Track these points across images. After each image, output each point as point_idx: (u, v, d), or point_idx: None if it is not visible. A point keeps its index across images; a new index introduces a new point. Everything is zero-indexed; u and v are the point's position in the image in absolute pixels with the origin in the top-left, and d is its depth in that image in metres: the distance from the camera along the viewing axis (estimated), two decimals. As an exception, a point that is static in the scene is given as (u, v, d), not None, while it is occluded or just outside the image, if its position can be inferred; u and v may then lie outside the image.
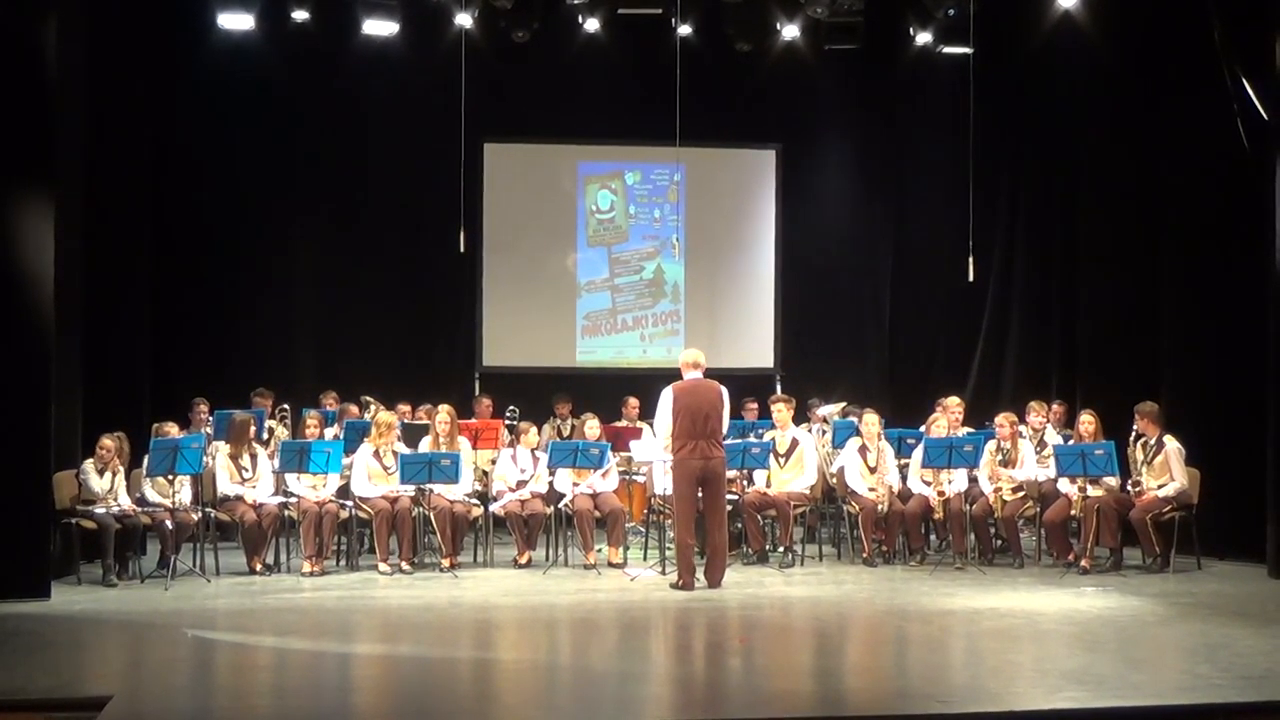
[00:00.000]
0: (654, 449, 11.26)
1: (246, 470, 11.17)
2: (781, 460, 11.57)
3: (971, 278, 13.64)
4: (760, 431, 12.33)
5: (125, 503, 10.59)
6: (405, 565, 10.94)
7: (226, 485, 11.13)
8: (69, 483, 10.43)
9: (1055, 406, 13.00)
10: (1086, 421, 11.30)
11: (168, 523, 10.53)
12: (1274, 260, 10.82)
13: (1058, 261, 14.70)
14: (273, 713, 6.83)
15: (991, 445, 11.54)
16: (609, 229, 15.58)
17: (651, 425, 13.04)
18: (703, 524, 10.43)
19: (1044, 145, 14.89)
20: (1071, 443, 11.42)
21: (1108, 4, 13.09)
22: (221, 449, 11.52)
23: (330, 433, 12.01)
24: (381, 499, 11.00)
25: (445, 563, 11.00)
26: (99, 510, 10.35)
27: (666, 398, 10.33)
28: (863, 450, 11.59)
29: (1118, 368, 13.11)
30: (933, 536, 12.05)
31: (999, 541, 11.65)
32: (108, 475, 10.54)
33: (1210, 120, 11.82)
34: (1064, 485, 11.19)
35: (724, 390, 10.38)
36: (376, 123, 14.85)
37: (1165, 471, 11.02)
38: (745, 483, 11.40)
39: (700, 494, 10.25)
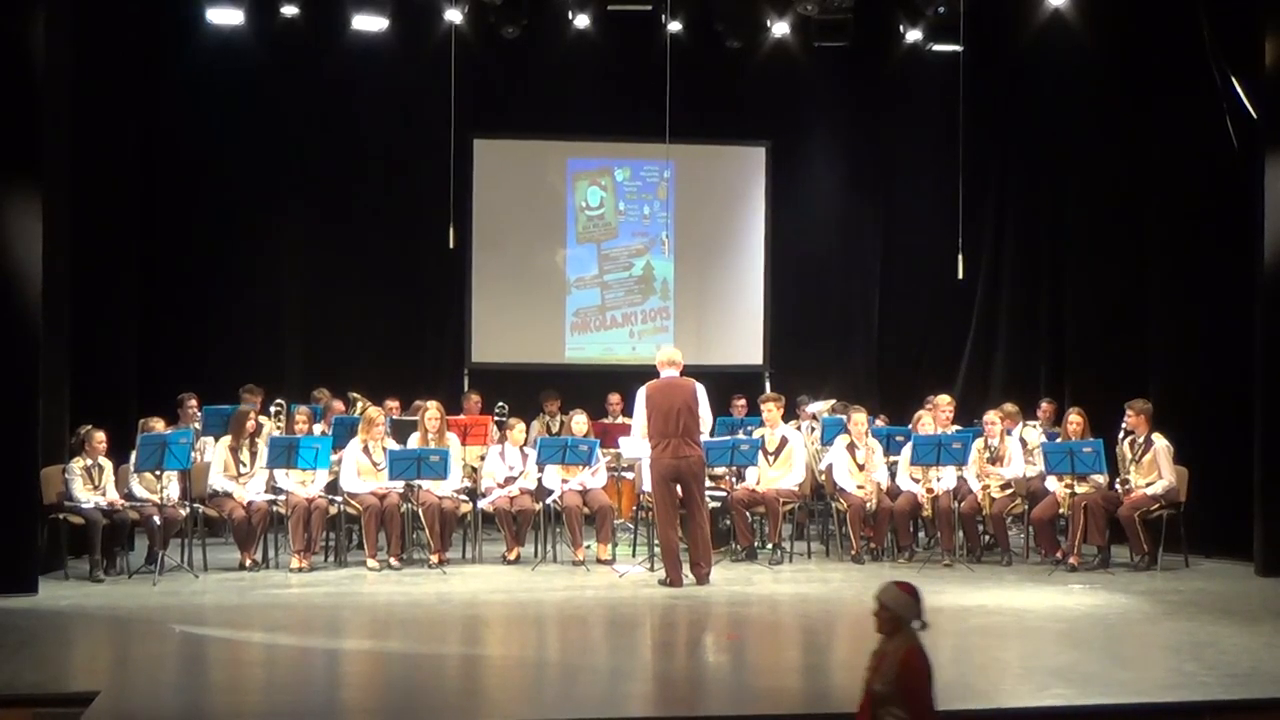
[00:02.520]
0: (642, 446, 11.28)
1: (244, 465, 11.15)
2: (770, 458, 11.57)
3: (961, 275, 13.67)
4: (749, 428, 12.33)
5: (113, 497, 10.58)
6: (394, 561, 10.93)
7: (219, 479, 11.09)
8: (56, 478, 10.40)
9: (1044, 404, 13.03)
10: (1074, 420, 11.30)
11: (155, 518, 10.52)
12: (1261, 258, 10.84)
13: (1046, 259, 14.73)
14: (261, 708, 6.82)
15: (979, 443, 11.56)
16: (598, 225, 15.57)
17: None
18: (686, 521, 10.43)
19: (1033, 143, 14.91)
20: (1059, 440, 11.43)
21: (1098, 2, 13.11)
22: (209, 443, 11.49)
23: (319, 428, 12.00)
24: (370, 495, 10.99)
25: (434, 559, 10.99)
26: (86, 505, 10.33)
27: (640, 397, 10.35)
28: (851, 448, 11.60)
29: (1106, 366, 13.15)
30: (921, 534, 12.06)
31: (987, 539, 11.67)
32: (95, 472, 10.51)
33: (1199, 118, 11.85)
34: (1051, 484, 11.20)
35: (699, 387, 10.36)
36: (365, 118, 14.82)
37: (1154, 469, 11.03)
38: (734, 479, 11.42)
39: (680, 492, 10.27)
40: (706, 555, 10.25)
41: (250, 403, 12.56)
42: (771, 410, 11.74)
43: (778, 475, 11.52)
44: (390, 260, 14.94)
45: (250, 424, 11.24)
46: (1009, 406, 12.27)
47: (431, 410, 11.44)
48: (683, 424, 10.15)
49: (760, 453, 11.50)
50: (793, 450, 11.61)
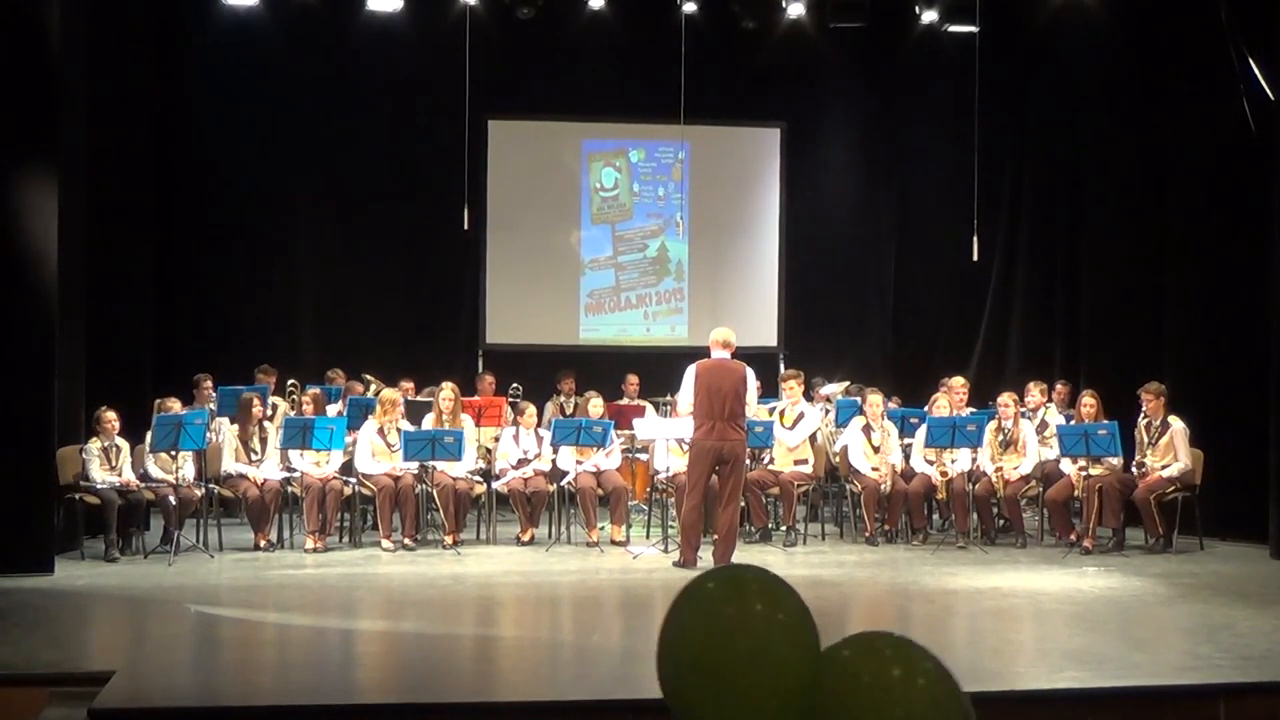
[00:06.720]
0: (659, 427, 11.27)
1: (255, 452, 11.18)
2: (787, 426, 11.69)
3: (975, 257, 13.64)
4: (771, 407, 12.35)
5: (129, 477, 10.61)
6: (408, 542, 10.95)
7: (231, 465, 11.14)
8: (72, 458, 10.44)
9: (1059, 386, 12.99)
10: (1088, 402, 11.28)
11: (171, 498, 10.55)
12: (1278, 241, 10.79)
13: (1061, 240, 14.67)
14: (275, 688, 6.84)
15: (992, 425, 11.53)
16: (613, 206, 15.54)
17: (653, 403, 13.09)
18: (713, 504, 10.42)
19: (1049, 124, 14.83)
20: (1073, 422, 11.41)
21: (1114, -17, 13.06)
22: (224, 424, 11.51)
23: (333, 410, 12.02)
24: (385, 476, 11.01)
25: (448, 540, 11.01)
26: (102, 486, 10.36)
27: (689, 374, 10.30)
28: (866, 429, 11.60)
29: (1121, 348, 13.11)
30: (935, 516, 12.06)
31: (1001, 521, 11.66)
32: (111, 453, 10.55)
33: (1216, 99, 11.78)
34: (1066, 465, 11.19)
35: (749, 371, 10.31)
36: (380, 99, 14.80)
37: (1170, 452, 11.00)
38: (749, 461, 11.43)
39: (717, 473, 10.25)
40: (731, 544, 10.16)
41: (264, 382, 12.60)
42: (793, 387, 11.83)
43: (794, 441, 11.61)
44: (405, 241, 14.93)
45: (256, 410, 11.26)
46: (1035, 384, 12.21)
47: (446, 391, 11.45)
48: (729, 408, 10.07)
49: (778, 423, 11.59)
50: (806, 424, 11.69)
